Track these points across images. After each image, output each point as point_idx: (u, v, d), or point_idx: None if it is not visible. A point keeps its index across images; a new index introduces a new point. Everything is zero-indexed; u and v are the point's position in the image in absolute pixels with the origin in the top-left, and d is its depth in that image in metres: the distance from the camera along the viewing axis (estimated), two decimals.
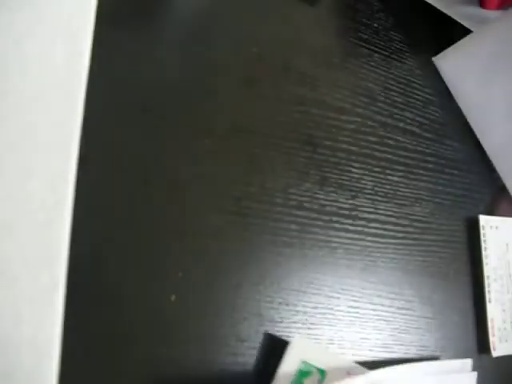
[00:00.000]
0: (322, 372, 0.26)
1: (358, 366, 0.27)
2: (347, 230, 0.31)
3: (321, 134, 0.32)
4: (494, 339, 0.34)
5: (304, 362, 0.26)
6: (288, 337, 0.27)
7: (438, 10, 0.40)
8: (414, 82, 0.39)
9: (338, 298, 0.30)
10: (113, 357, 0.23)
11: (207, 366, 0.25)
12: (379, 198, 0.34)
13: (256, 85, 0.30)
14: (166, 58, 0.28)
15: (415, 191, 0.36)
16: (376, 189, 0.34)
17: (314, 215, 0.30)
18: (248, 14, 0.32)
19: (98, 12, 0.25)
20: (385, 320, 0.31)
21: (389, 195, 0.34)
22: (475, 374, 0.28)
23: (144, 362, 0.23)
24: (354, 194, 0.32)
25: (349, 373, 0.26)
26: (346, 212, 0.32)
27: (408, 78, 0.39)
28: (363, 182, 0.33)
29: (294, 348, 0.26)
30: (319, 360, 0.26)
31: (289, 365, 0.26)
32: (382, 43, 0.38)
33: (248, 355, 0.26)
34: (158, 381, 0.23)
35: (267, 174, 0.29)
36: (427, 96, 0.39)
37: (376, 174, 0.34)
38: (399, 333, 0.32)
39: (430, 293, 0.34)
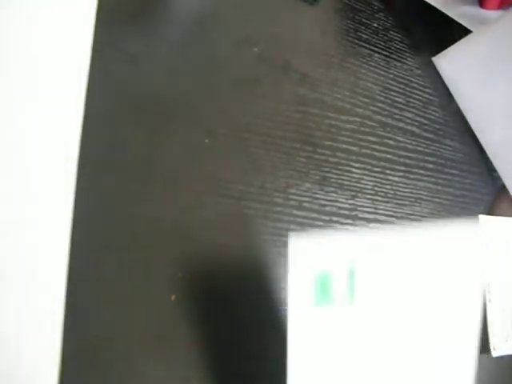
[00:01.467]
0: (348, 265, 0.20)
1: (385, 232, 0.21)
2: (347, 230, 0.31)
3: (321, 134, 0.32)
4: (494, 339, 0.34)
5: (319, 268, 0.20)
6: None
7: (438, 10, 0.40)
8: (414, 82, 0.39)
9: None
10: (113, 357, 0.23)
11: (207, 366, 0.25)
12: (379, 198, 0.34)
13: (256, 85, 0.30)
14: (166, 58, 0.28)
15: (415, 191, 0.36)
16: (376, 189, 0.34)
17: (314, 215, 0.30)
18: (248, 14, 0.32)
19: (97, 12, 0.25)
20: None
21: (389, 195, 0.34)
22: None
23: (144, 362, 0.23)
24: (353, 193, 0.32)
25: (380, 249, 0.21)
26: (346, 212, 0.32)
27: (408, 78, 0.39)
28: (363, 182, 0.33)
29: (296, 256, 0.20)
30: (336, 253, 0.20)
31: (300, 279, 0.20)
32: (382, 43, 0.38)
33: None
34: (158, 381, 0.23)
35: (267, 174, 0.29)
36: (427, 96, 0.39)
37: (376, 174, 0.34)
38: None
39: None
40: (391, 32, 0.39)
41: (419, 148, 0.37)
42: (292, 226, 0.29)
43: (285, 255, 0.28)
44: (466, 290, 0.22)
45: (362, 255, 0.21)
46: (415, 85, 0.39)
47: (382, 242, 0.21)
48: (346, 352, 0.21)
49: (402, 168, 0.35)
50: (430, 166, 0.37)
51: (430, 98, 0.39)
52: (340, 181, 0.32)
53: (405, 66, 0.39)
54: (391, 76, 0.37)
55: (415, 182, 0.36)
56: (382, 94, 0.36)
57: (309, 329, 0.20)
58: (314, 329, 0.20)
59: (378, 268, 0.21)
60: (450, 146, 0.39)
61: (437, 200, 0.36)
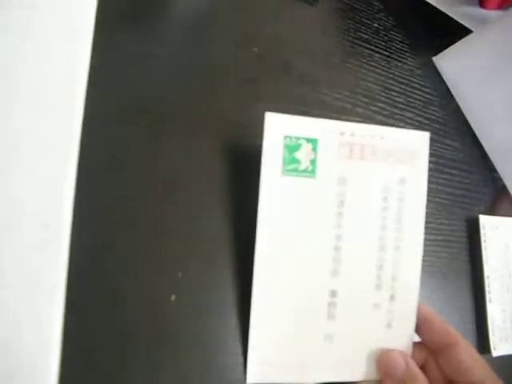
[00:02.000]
0: (313, 140, 0.25)
1: (349, 123, 0.26)
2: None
3: None
4: (494, 339, 0.34)
5: (288, 137, 0.24)
6: None
7: (438, 10, 0.40)
8: (414, 82, 0.39)
9: None
10: (113, 357, 0.23)
11: (207, 365, 0.25)
12: None
13: (256, 85, 0.30)
14: (166, 57, 0.28)
15: None
16: None
17: None
18: (248, 14, 0.32)
19: (97, 12, 0.25)
20: None
21: None
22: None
23: (144, 362, 0.23)
24: None
25: (342, 133, 0.25)
26: None
27: (408, 77, 0.39)
28: None
29: (270, 125, 0.24)
30: (304, 129, 0.25)
31: (272, 146, 0.24)
32: (382, 43, 0.38)
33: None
34: (159, 381, 0.23)
35: None
36: (427, 96, 0.39)
37: None
38: None
39: (429, 293, 0.34)
40: (391, 32, 0.39)
41: None
42: None
43: None
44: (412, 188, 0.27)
45: (325, 134, 0.25)
46: (415, 85, 0.39)
47: (344, 127, 0.26)
48: (307, 218, 0.25)
49: None
50: (430, 165, 0.37)
51: (430, 97, 0.39)
52: None
53: (405, 66, 0.39)
54: (391, 76, 0.37)
55: None
56: (383, 94, 0.36)
57: (276, 195, 0.25)
58: (281, 195, 0.25)
59: (339, 150, 0.25)
60: (450, 145, 0.39)
61: (437, 200, 0.36)
